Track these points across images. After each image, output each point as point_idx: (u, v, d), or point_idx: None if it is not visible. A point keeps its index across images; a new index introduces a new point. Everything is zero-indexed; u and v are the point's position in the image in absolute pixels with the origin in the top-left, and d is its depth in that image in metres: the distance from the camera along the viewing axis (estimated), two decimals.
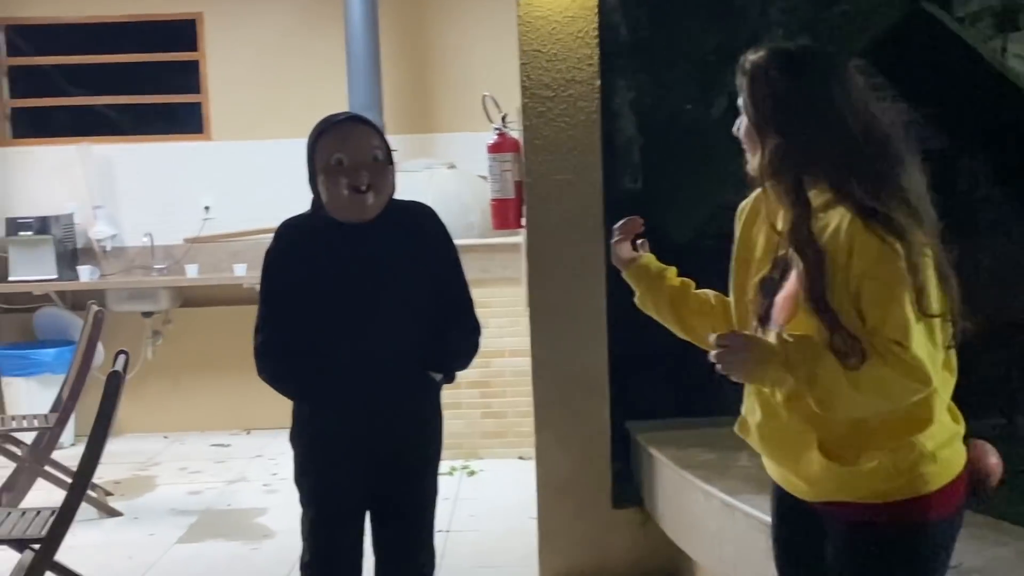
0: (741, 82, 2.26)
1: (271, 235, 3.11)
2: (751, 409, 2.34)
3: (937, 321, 2.10)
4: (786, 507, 2.39)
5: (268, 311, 3.03)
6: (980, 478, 3.33)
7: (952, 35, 4.71)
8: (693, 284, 2.53)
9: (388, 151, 3.04)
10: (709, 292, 2.53)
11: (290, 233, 3.07)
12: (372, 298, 3.00)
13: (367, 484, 3.11)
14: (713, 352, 2.13)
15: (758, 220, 2.34)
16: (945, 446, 2.20)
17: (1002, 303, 4.54)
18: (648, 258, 2.55)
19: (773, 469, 2.38)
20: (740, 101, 2.27)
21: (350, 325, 2.99)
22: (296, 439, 3.13)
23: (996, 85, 4.73)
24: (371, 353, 3.00)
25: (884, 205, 2.09)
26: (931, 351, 2.09)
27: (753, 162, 2.25)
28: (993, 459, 3.44)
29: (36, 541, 3.82)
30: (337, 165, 2.94)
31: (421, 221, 3.17)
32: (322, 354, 3.00)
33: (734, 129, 2.31)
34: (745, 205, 2.42)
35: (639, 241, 2.54)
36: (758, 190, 2.37)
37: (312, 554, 3.13)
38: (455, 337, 3.19)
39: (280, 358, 3.02)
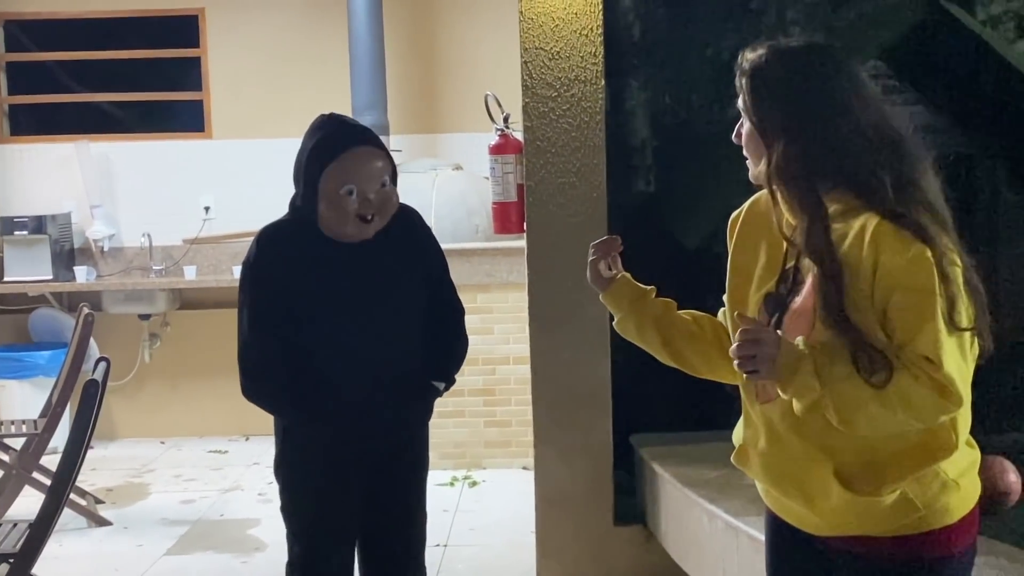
0: (741, 83, 2.10)
1: None
2: (752, 437, 2.17)
3: (967, 335, 1.94)
4: (787, 543, 2.21)
5: (256, 325, 2.85)
6: (999, 497, 3.14)
7: (974, 37, 4.55)
8: (675, 304, 2.35)
9: (394, 171, 2.93)
10: (696, 313, 2.35)
11: (275, 242, 2.90)
12: (369, 310, 2.88)
13: (361, 502, 2.98)
14: (737, 345, 1.93)
15: (756, 230, 2.18)
16: (965, 473, 2.06)
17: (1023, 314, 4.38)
18: (626, 277, 2.36)
19: (777, 501, 2.19)
20: (740, 103, 2.11)
21: (347, 337, 2.86)
22: (285, 467, 2.97)
23: (1019, 88, 4.57)
24: (369, 365, 2.87)
25: (910, 209, 1.94)
26: (962, 368, 1.92)
27: (757, 169, 2.10)
28: (1012, 476, 3.26)
29: (12, 556, 3.66)
30: (347, 195, 2.81)
31: (410, 224, 3.05)
32: (318, 368, 2.85)
33: (734, 136, 2.16)
34: (738, 215, 2.26)
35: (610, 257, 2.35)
36: (751, 199, 2.23)
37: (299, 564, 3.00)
38: (452, 342, 3.09)
39: (274, 375, 2.86)
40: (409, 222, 3.04)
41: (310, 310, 2.84)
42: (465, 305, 3.16)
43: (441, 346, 3.04)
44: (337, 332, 2.85)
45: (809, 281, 2.00)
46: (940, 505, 2.01)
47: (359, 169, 2.81)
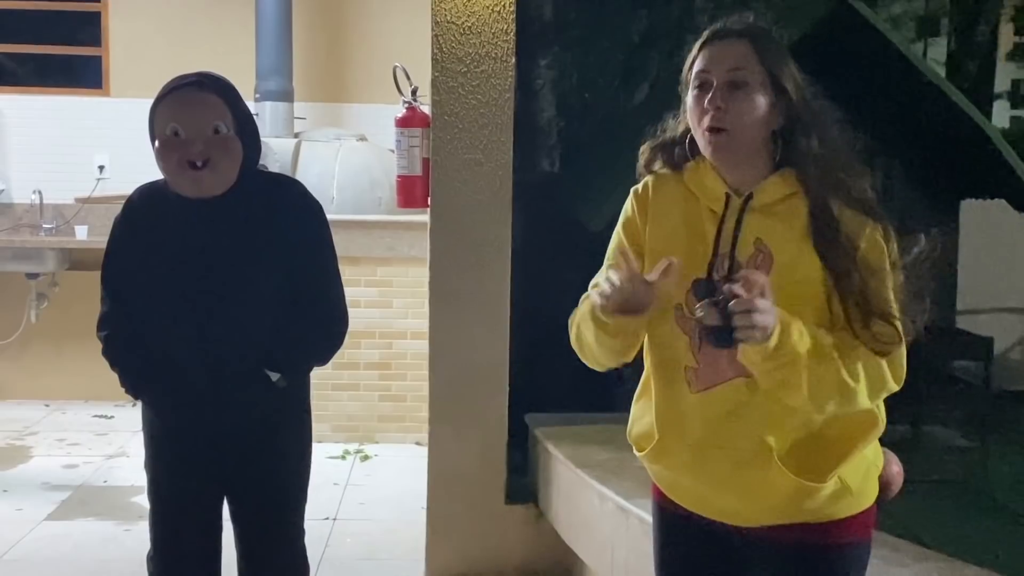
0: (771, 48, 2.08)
1: None
2: (678, 429, 2.05)
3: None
4: (688, 536, 2.14)
5: (109, 289, 2.77)
6: (882, 488, 3.22)
7: (878, 35, 4.61)
8: None
9: (239, 121, 2.68)
10: None
11: (139, 203, 2.78)
12: (210, 283, 2.69)
13: (215, 477, 2.87)
14: (744, 302, 1.78)
15: (671, 210, 2.08)
16: (878, 457, 2.10)
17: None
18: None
19: (697, 496, 2.09)
20: (769, 71, 2.07)
21: (186, 311, 2.70)
22: (144, 424, 2.89)
23: (916, 88, 4.65)
24: (208, 343, 2.71)
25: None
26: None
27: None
28: (895, 467, 3.34)
29: None
30: (173, 135, 2.62)
31: (283, 196, 2.81)
32: (158, 342, 2.72)
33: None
34: (646, 189, 2.13)
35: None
36: (655, 176, 2.13)
37: (155, 546, 2.90)
38: (301, 330, 2.78)
39: (120, 341, 2.76)
40: (280, 192, 2.81)
41: (154, 275, 2.70)
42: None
43: (285, 332, 2.76)
44: (175, 302, 2.70)
45: (760, 264, 1.95)
46: (866, 488, 2.04)
47: (182, 109, 2.63)
